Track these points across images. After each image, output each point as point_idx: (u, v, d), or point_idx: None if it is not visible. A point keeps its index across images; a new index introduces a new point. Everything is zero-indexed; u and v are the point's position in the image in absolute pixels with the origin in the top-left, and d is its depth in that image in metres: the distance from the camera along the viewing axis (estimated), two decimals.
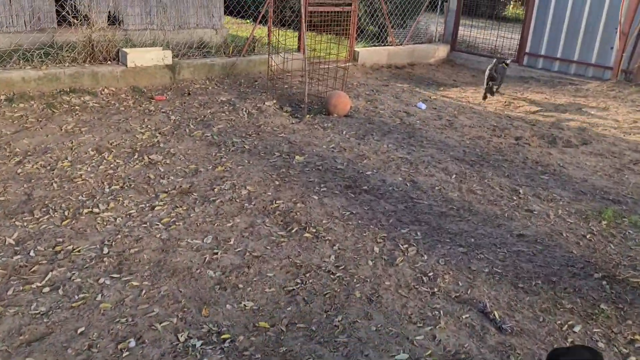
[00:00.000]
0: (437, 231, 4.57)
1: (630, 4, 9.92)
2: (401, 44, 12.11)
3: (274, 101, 7.90)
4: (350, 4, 10.50)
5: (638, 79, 10.19)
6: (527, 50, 11.65)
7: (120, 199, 4.76)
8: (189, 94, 8.03)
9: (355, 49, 11.07)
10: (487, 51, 13.06)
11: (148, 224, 4.38)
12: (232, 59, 9.24)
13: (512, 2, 25.77)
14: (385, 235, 4.45)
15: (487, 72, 9.23)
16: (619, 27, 10.20)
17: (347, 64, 9.90)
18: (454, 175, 5.72)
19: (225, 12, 13.05)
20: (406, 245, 4.31)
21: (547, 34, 11.28)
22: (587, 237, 4.61)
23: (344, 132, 6.82)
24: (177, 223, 4.42)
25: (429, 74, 11.39)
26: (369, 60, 11.20)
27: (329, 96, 7.50)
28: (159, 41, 9.39)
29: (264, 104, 7.71)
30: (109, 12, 9.43)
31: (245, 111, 7.37)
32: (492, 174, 5.80)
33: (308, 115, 7.36)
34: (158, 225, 4.38)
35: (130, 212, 4.56)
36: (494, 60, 9.48)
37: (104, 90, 7.66)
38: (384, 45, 12.02)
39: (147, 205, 4.69)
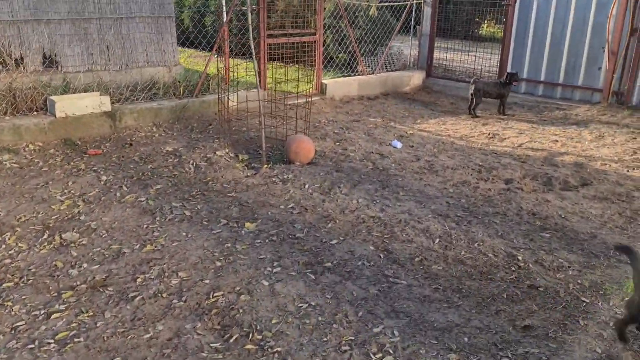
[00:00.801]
0: (419, 326, 3.54)
1: (618, 21, 9.15)
2: (373, 73, 11.23)
3: (227, 149, 6.89)
4: (314, 33, 9.62)
5: (630, 100, 9.38)
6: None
7: (10, 302, 3.68)
8: (131, 144, 6.99)
9: (323, 81, 10.16)
10: (465, 75, 12.24)
11: (37, 343, 3.30)
12: (183, 100, 8.24)
13: (486, 21, 25.31)
14: (353, 338, 3.41)
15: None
16: (606, 46, 9.41)
17: (311, 99, 8.95)
18: (437, 240, 4.72)
19: (184, 44, 12.07)
20: (380, 355, 3.27)
21: (529, 55, 10.49)
22: (611, 323, 3.61)
23: (307, 186, 5.81)
24: (76, 339, 3.34)
25: (404, 104, 10.49)
26: (339, 93, 10.28)
27: (289, 142, 6.50)
28: (104, 83, 8.36)
29: (215, 153, 6.69)
30: (44, 53, 8.39)
31: (193, 164, 6.34)
32: (483, 234, 4.81)
33: (266, 166, 6.35)
34: (50, 343, 3.29)
35: (18, 324, 3.47)
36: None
37: (28, 147, 6.59)
38: (355, 74, 11.13)
39: (43, 311, 3.61)
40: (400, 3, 11.76)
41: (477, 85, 9.51)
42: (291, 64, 10.72)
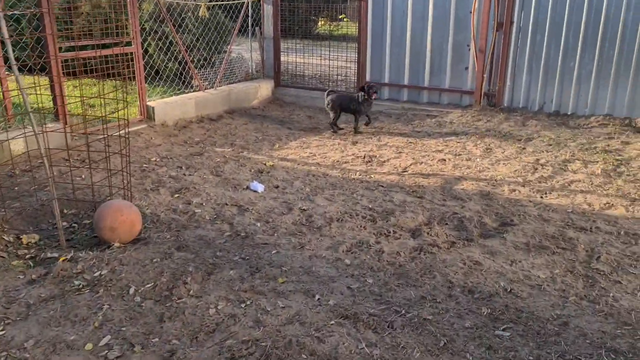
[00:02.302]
0: None
1: (483, 15, 8.18)
2: (212, 87, 9.19)
3: (3, 227, 4.44)
4: (130, 43, 7.34)
5: (501, 102, 8.52)
6: (368, 78, 9.48)
7: None
8: None
9: (149, 103, 7.89)
10: (318, 81, 10.72)
11: None
12: None
13: (321, 19, 24.46)
14: None
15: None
16: (472, 44, 8.44)
17: (127, 131, 6.78)
18: None
19: None
20: None
21: (389, 56, 9.24)
22: None
23: (132, 290, 3.66)
24: None
25: (255, 124, 8.62)
26: (171, 116, 8.09)
27: (101, 215, 4.26)
28: None
29: None
30: None
31: None
32: (421, 351, 3.12)
33: (63, 258, 4.05)
34: None
35: None
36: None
37: None
38: (190, 90, 9.01)
39: None
40: (234, 1, 9.84)
41: (331, 96, 7.96)
42: (109, 79, 8.30)
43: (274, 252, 4.27)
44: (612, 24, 7.61)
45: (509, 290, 3.75)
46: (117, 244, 4.21)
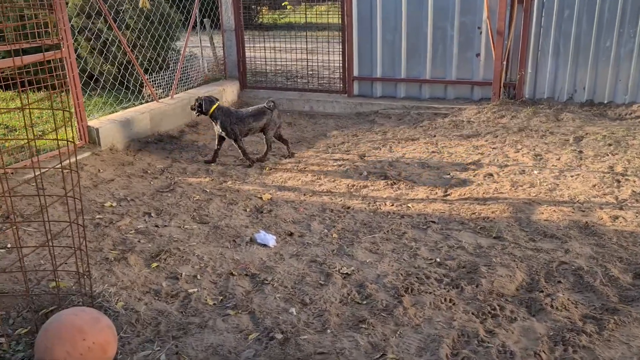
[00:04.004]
0: None
1: None
2: (168, 96, 7.36)
3: None
4: (58, 46, 5.46)
5: (522, 94, 7.19)
6: (356, 73, 7.93)
7: None
8: None
9: (91, 123, 6.01)
10: (286, 78, 9.06)
11: None
12: None
13: (264, 9, 22.70)
14: None
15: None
16: (485, 25, 7.03)
17: (65, 163, 4.96)
18: None
19: None
20: None
21: (381, 46, 7.70)
22: None
23: None
24: None
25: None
26: (121, 138, 6.23)
27: (47, 345, 2.47)
28: None
29: None
30: None
31: None
32: None
33: None
34: None
35: None
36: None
37: None
38: (142, 101, 7.15)
39: None
40: None
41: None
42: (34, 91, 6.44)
43: None
44: None
45: None
46: None
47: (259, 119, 5.83)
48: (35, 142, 2.55)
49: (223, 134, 5.75)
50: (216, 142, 5.90)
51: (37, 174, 4.09)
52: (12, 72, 5.31)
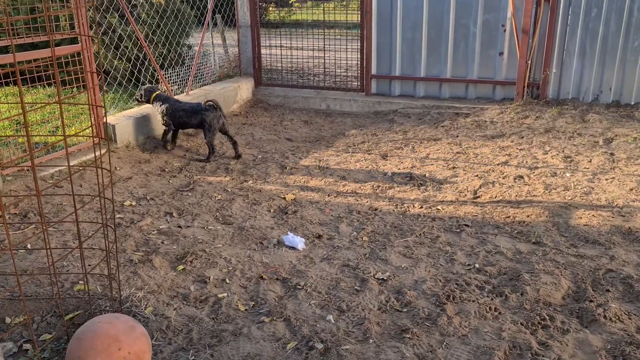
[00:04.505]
0: None
1: None
2: (183, 92, 7.21)
3: None
4: (76, 40, 5.32)
5: (546, 94, 7.03)
6: (374, 71, 7.77)
7: None
8: None
9: (109, 121, 5.86)
10: (303, 77, 8.91)
11: None
12: None
13: (270, 5, 22.56)
14: None
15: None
16: (510, 23, 6.86)
17: (95, 155, 4.69)
18: None
19: None
20: None
21: (400, 43, 7.54)
22: None
23: None
24: None
25: (244, 135, 6.75)
26: (137, 135, 6.09)
27: (80, 355, 2.32)
28: None
29: None
30: None
31: None
32: None
33: None
34: None
35: None
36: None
37: None
38: None
39: None
40: None
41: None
42: (47, 86, 6.30)
43: None
44: None
45: None
46: None
47: (193, 116, 5.76)
48: (65, 140, 2.39)
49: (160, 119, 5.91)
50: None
51: (70, 173, 3.93)
52: (43, 64, 5.16)
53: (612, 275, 3.36)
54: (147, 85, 6.22)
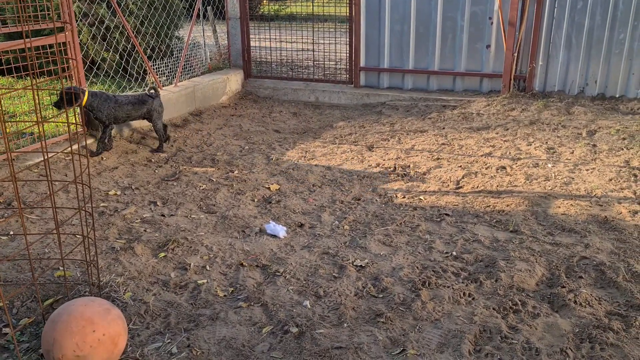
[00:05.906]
0: None
1: None
2: (172, 84, 7.23)
3: None
4: (62, 29, 5.31)
5: (532, 87, 7.08)
6: (363, 64, 7.80)
7: None
8: None
9: None
10: (289, 68, 8.94)
11: None
12: None
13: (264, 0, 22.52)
14: None
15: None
16: (497, 15, 6.90)
17: (76, 147, 4.82)
18: None
19: None
20: None
21: (388, 36, 7.56)
22: None
23: None
24: None
25: (232, 129, 6.76)
26: (123, 126, 6.11)
27: (55, 337, 2.35)
28: None
29: None
30: None
31: None
32: None
33: None
34: None
35: None
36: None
37: None
38: (144, 89, 7.01)
39: None
40: None
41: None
42: (29, 77, 6.16)
43: None
44: None
45: None
46: None
47: (139, 107, 5.55)
48: (43, 127, 2.42)
49: (97, 117, 5.37)
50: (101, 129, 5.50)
51: (45, 158, 3.96)
52: (21, 55, 5.16)
53: (586, 262, 3.42)
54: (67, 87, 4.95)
